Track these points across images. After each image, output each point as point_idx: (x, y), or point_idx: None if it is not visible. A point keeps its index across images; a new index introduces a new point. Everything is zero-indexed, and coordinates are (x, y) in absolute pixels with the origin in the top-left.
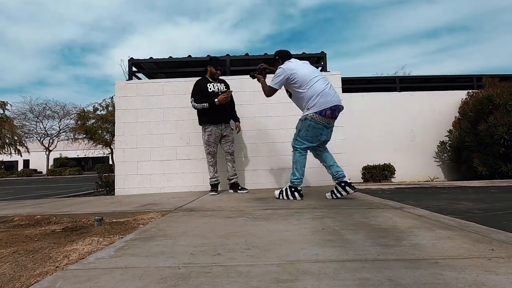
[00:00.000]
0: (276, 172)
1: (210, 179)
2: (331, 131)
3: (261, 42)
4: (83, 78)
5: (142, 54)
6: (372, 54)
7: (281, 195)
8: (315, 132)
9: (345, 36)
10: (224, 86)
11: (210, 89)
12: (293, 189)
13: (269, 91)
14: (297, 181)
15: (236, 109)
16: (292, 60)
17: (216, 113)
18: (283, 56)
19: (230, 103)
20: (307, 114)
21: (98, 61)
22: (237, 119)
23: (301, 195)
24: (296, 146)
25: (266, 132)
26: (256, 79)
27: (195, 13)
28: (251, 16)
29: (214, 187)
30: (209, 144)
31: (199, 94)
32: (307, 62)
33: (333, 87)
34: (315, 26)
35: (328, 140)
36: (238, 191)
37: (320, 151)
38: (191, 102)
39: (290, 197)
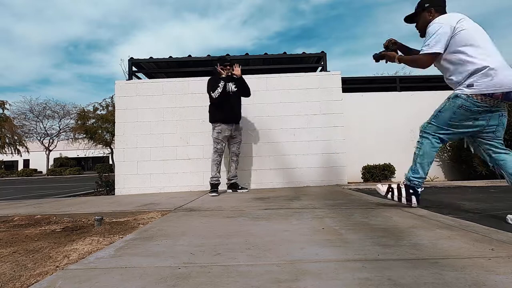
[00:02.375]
0: (277, 172)
1: (211, 178)
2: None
3: (270, 39)
4: (87, 77)
5: (148, 52)
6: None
7: (390, 194)
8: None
9: (356, 33)
10: (234, 86)
11: (222, 83)
12: (411, 190)
13: (429, 59)
14: (419, 180)
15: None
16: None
17: (228, 112)
18: (437, 4)
19: (240, 99)
20: (468, 93)
21: (104, 59)
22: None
23: (418, 201)
24: (427, 130)
25: (267, 132)
26: (384, 59)
27: (205, 9)
28: (261, 12)
29: (214, 187)
30: (218, 142)
31: (212, 87)
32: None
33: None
34: (326, 22)
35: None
36: (238, 190)
37: (498, 152)
38: (210, 94)
39: (404, 200)
